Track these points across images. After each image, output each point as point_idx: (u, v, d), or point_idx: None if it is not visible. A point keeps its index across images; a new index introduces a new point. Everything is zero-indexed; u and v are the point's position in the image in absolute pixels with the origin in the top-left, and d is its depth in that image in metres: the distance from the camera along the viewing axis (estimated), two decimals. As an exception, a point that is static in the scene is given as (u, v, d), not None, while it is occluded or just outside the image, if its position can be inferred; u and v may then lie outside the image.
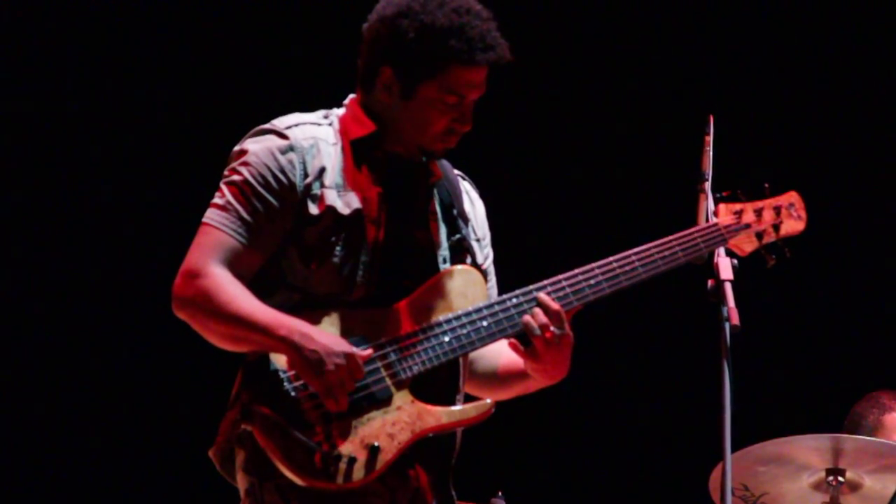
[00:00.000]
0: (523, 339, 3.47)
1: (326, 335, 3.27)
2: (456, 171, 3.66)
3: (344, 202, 3.41)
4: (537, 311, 3.42)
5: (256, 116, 3.53)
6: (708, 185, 3.66)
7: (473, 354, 3.57)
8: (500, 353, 3.59)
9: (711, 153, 3.65)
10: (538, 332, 3.41)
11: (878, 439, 4.72)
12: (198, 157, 4.18)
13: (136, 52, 6.03)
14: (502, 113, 5.91)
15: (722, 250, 3.53)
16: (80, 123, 6.01)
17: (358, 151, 3.47)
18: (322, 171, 3.42)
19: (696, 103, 5.91)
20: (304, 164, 3.41)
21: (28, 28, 5.94)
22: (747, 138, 6.01)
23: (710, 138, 3.66)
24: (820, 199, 3.78)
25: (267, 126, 3.47)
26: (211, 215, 3.39)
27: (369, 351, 3.31)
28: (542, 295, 3.44)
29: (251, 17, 6.12)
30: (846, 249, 6.35)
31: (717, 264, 3.48)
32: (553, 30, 6.33)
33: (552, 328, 3.40)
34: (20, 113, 5.96)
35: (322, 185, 3.41)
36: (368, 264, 3.39)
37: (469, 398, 3.50)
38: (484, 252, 3.65)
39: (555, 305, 3.43)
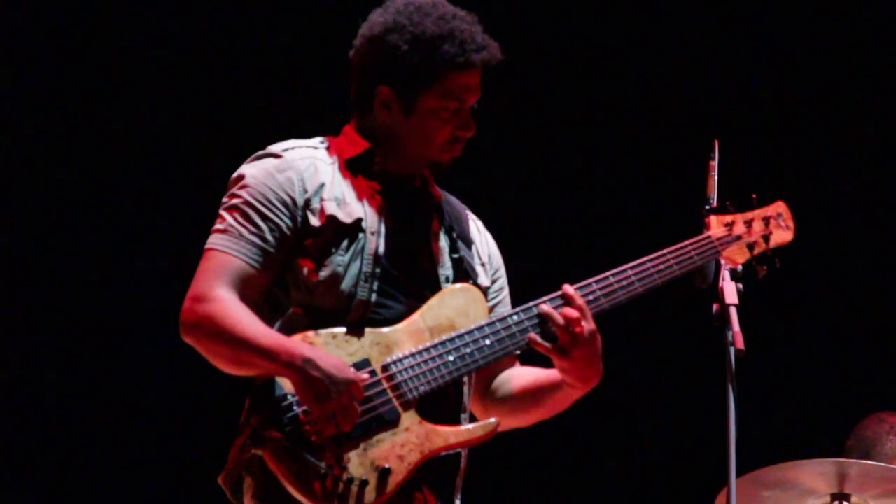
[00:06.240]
0: (529, 353, 3.49)
1: (330, 360, 3.27)
2: (464, 206, 3.69)
3: (345, 212, 3.43)
4: (565, 308, 3.43)
5: (259, 142, 3.56)
6: (709, 208, 3.68)
7: (497, 381, 3.62)
8: (528, 373, 3.62)
9: (716, 177, 3.66)
10: (561, 321, 3.41)
11: (882, 464, 4.70)
12: (207, 185, 4.19)
13: (143, 78, 6.06)
14: (501, 130, 5.95)
15: (727, 274, 3.53)
16: (92, 149, 6.04)
17: (354, 170, 3.49)
18: (321, 186, 3.44)
19: (686, 122, 6.00)
20: (302, 181, 3.43)
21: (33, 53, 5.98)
22: (737, 150, 6.03)
23: (715, 163, 3.67)
24: (828, 220, 3.79)
25: (262, 151, 3.50)
26: (213, 240, 3.40)
27: (365, 376, 3.31)
28: (569, 289, 3.45)
29: (250, 44, 6.15)
30: (852, 272, 6.35)
31: (721, 289, 3.47)
32: (559, 51, 6.35)
33: (583, 322, 3.42)
34: (29, 135, 5.99)
35: (321, 199, 3.43)
36: (370, 275, 3.40)
37: (475, 418, 3.52)
38: (497, 285, 3.67)
39: (581, 300, 3.44)
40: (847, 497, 4.56)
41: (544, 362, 3.58)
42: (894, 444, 4.91)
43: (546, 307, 3.45)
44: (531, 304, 3.48)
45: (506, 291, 3.70)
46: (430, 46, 3.43)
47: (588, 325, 3.43)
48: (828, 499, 4.60)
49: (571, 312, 3.43)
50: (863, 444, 4.95)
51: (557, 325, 3.42)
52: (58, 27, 5.97)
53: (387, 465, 3.27)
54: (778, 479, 4.56)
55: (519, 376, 3.64)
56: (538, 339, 3.44)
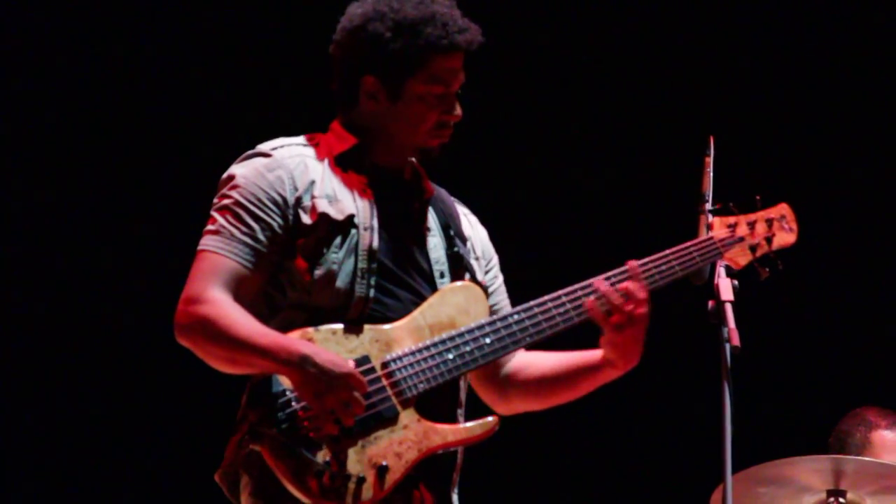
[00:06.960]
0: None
1: (328, 355, 3.26)
2: (453, 198, 3.69)
3: (336, 209, 3.42)
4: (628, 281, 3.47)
5: (249, 142, 3.56)
6: (708, 207, 3.68)
7: (512, 365, 3.62)
8: (553, 356, 3.62)
9: (712, 174, 3.67)
10: (621, 300, 3.44)
11: (879, 460, 4.71)
12: (198, 186, 4.18)
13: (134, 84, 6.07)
14: (499, 129, 5.96)
15: (723, 271, 3.53)
16: (84, 150, 6.04)
17: (343, 166, 3.49)
18: (311, 183, 3.43)
19: (685, 120, 5.99)
20: (292, 179, 3.42)
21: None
22: (738, 151, 6.04)
23: (711, 159, 3.67)
24: (822, 220, 3.79)
25: (251, 151, 3.49)
26: (206, 241, 3.40)
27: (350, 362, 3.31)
28: (634, 264, 3.49)
29: (240, 43, 6.15)
30: (847, 269, 6.36)
31: (717, 285, 3.48)
32: (557, 48, 6.36)
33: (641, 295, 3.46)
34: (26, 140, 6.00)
35: (312, 196, 3.42)
36: (365, 271, 3.40)
37: (470, 416, 3.51)
38: (490, 274, 3.67)
39: (644, 278, 3.49)
40: (843, 493, 4.56)
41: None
42: (863, 434, 4.94)
43: (603, 285, 3.47)
44: (532, 303, 3.48)
45: (500, 279, 3.70)
46: (412, 31, 3.43)
47: (643, 307, 3.47)
48: (824, 495, 4.60)
49: (640, 293, 3.47)
50: (838, 438, 4.98)
51: (614, 302, 3.44)
52: (54, 26, 5.97)
53: (384, 463, 3.27)
54: (774, 476, 4.56)
55: (542, 359, 3.63)
56: (596, 306, 3.46)
